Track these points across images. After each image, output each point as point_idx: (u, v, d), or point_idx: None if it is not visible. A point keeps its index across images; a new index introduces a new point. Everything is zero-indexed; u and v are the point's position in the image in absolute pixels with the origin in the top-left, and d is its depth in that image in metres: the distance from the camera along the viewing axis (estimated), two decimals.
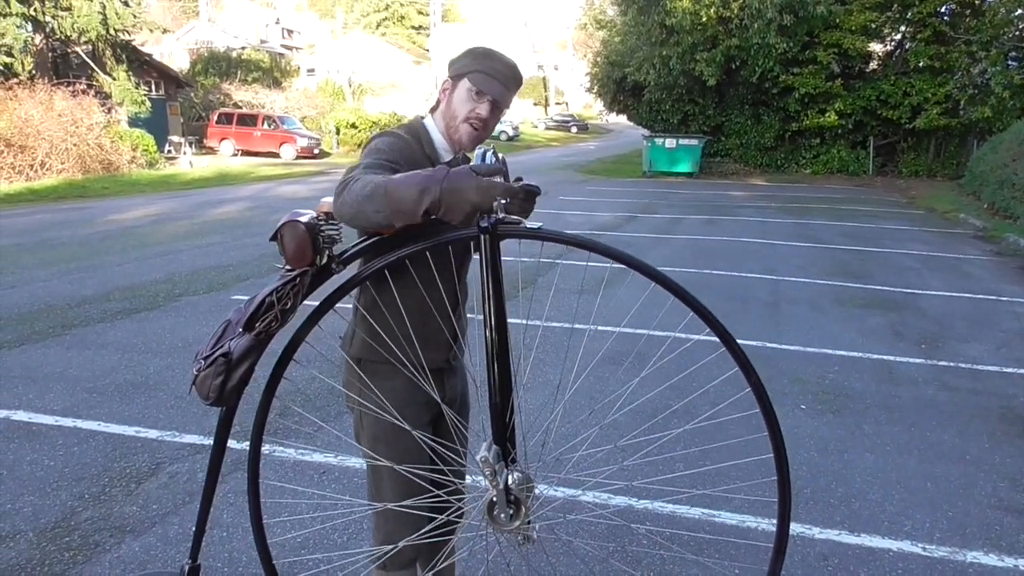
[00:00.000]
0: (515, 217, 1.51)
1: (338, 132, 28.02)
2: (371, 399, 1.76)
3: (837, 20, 19.86)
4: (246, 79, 33.05)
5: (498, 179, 1.39)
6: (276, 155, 25.61)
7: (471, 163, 1.54)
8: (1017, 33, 17.94)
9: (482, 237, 1.50)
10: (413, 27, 69.41)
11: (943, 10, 20.52)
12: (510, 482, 1.57)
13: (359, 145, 26.32)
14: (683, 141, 20.82)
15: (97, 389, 4.25)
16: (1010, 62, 17.79)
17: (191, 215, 12.09)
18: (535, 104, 59.68)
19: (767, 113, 22.11)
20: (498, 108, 1.72)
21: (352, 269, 1.71)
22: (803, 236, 10.77)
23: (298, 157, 25.43)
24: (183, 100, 27.80)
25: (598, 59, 25.55)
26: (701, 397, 3.75)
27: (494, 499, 1.57)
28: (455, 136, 1.73)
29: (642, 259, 1.47)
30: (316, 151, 26.29)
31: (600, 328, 5.23)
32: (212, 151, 26.01)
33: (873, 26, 20.51)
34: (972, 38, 18.01)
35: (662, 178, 20.45)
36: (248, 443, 1.75)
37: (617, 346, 4.94)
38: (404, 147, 1.69)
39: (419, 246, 1.56)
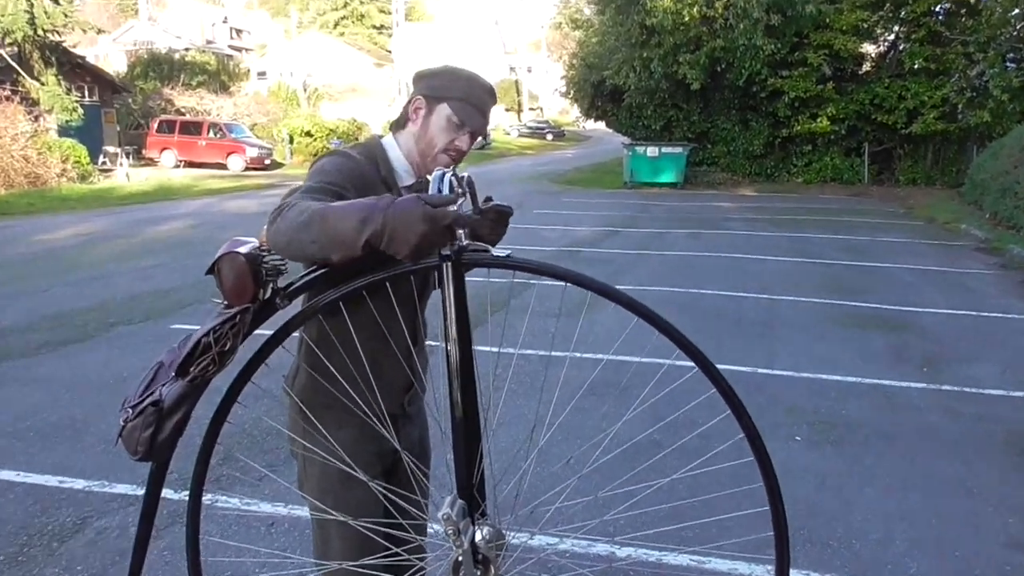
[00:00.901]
0: (482, 244, 1.51)
1: (292, 141, 27.91)
2: (318, 444, 1.72)
3: (827, 20, 20.21)
4: (190, 83, 32.80)
5: (452, 208, 1.37)
6: (223, 166, 25.43)
7: (428, 189, 1.52)
8: (1015, 33, 18.43)
9: (444, 266, 1.47)
10: (374, 26, 69.77)
11: (937, 9, 20.99)
12: (478, 539, 1.53)
13: (315, 155, 26.23)
14: (666, 149, 21.02)
15: (17, 434, 4.13)
16: (1008, 64, 18.20)
17: (128, 234, 11.91)
18: (507, 109, 60.02)
19: (755, 119, 22.41)
20: (475, 137, 1.77)
21: (298, 304, 1.68)
22: (796, 251, 10.91)
23: (247, 168, 25.27)
24: (120, 106, 27.49)
25: (574, 61, 25.83)
26: (694, 436, 3.74)
27: (460, 559, 1.54)
28: (432, 165, 1.73)
29: (624, 276, 1.46)
30: (267, 162, 26.15)
31: (582, 356, 5.20)
32: (152, 162, 25.76)
33: (865, 26, 20.88)
34: (968, 39, 18.42)
35: (644, 189, 20.63)
36: (186, 492, 1.69)
37: (601, 375, 4.92)
38: (354, 168, 1.66)
39: (376, 276, 1.53)
